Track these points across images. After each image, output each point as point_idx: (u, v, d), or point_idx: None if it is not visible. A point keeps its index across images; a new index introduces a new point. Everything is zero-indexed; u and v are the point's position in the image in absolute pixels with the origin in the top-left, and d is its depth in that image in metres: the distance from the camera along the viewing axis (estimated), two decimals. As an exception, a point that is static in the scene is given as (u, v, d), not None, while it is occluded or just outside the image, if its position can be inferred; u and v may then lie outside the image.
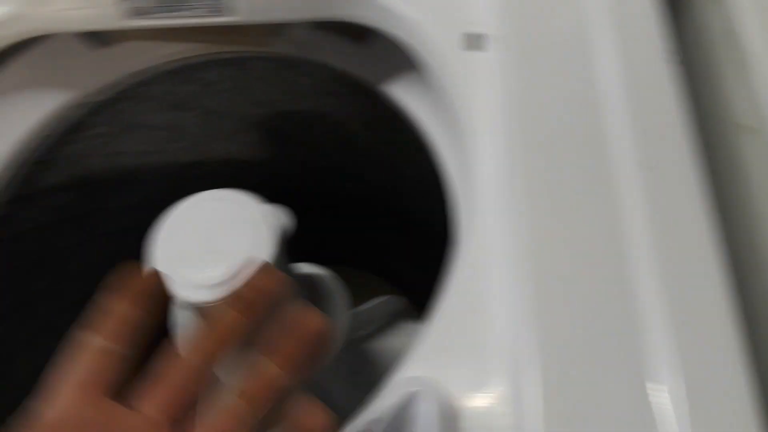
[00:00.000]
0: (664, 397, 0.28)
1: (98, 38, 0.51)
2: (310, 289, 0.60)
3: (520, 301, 0.31)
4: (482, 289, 0.32)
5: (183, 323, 0.54)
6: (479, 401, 0.30)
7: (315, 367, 0.29)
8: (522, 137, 0.33)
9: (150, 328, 0.31)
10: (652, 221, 0.31)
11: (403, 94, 0.49)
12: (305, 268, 0.59)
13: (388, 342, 0.80)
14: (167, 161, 0.66)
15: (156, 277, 0.35)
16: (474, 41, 0.38)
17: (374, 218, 0.83)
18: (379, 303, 0.79)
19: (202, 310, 0.46)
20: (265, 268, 0.35)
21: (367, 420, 0.31)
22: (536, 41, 0.36)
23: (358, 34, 0.49)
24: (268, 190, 0.45)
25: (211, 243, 0.44)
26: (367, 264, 0.86)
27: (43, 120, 0.51)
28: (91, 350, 0.28)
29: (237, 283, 0.43)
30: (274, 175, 0.75)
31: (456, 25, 0.39)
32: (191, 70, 0.57)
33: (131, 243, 0.71)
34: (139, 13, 0.43)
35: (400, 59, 0.49)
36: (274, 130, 0.68)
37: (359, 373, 0.78)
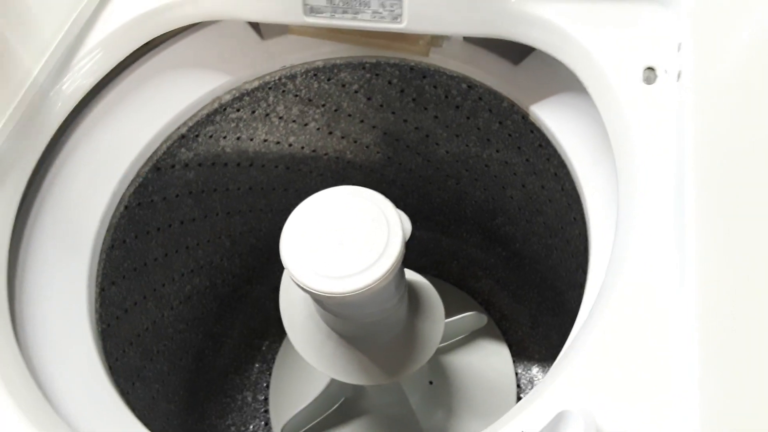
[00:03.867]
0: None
1: (259, 30, 0.54)
2: (413, 294, 0.61)
3: (691, 343, 0.30)
4: (649, 320, 0.32)
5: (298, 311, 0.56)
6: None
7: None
8: (702, 176, 0.33)
9: None
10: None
11: (547, 116, 0.49)
12: (408, 274, 0.60)
13: (466, 357, 0.81)
14: (285, 152, 0.69)
15: None
16: (654, 75, 0.38)
17: (465, 233, 0.84)
18: (463, 317, 0.80)
19: (326, 300, 0.47)
20: None
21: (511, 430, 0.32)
22: (719, 77, 0.36)
23: (518, 56, 0.50)
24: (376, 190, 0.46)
25: (345, 236, 0.46)
26: (450, 276, 0.86)
27: (197, 99, 0.54)
28: None
29: (367, 278, 0.45)
30: (381, 176, 0.76)
31: (635, 57, 0.39)
32: (334, 70, 0.59)
33: (237, 224, 0.74)
34: (315, 11, 0.45)
35: (550, 84, 0.50)
36: (391, 134, 0.70)
37: (435, 384, 0.79)
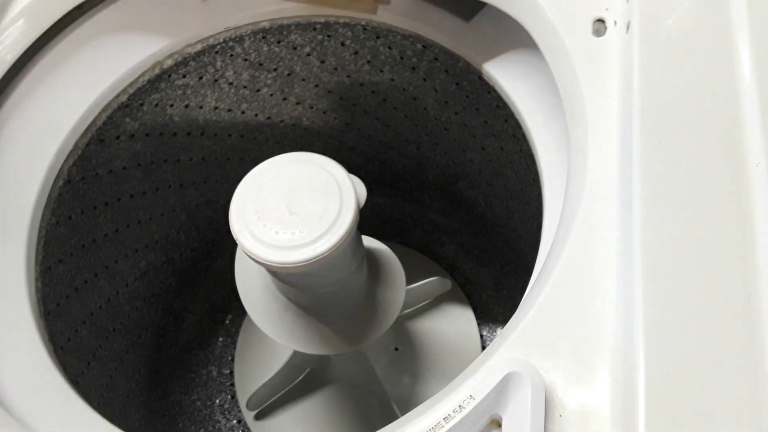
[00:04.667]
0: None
1: (199, -11, 0.51)
2: (373, 262, 0.60)
3: (630, 295, 0.30)
4: (590, 279, 0.32)
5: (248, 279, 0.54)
6: (577, 392, 0.30)
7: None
8: (647, 127, 0.32)
9: None
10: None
11: (501, 75, 0.48)
12: (367, 241, 0.59)
13: (431, 322, 0.81)
14: (239, 120, 0.66)
15: None
16: (603, 27, 0.37)
17: (427, 199, 0.83)
18: (426, 283, 0.79)
19: (280, 271, 0.46)
20: None
21: (459, 396, 0.31)
22: (668, 28, 0.35)
23: (469, 12, 0.48)
24: (332, 158, 0.45)
25: (296, 205, 0.44)
26: (413, 243, 0.85)
27: (136, 65, 0.51)
28: None
29: (320, 247, 0.44)
30: (339, 143, 0.74)
31: (585, 10, 0.38)
32: (283, 31, 0.56)
33: (192, 196, 0.72)
34: (253, -34, 0.43)
35: (502, 40, 0.49)
36: (347, 99, 0.68)
37: (400, 350, 0.79)
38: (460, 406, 0.30)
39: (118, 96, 0.51)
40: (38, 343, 0.41)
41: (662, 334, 0.29)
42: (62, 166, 0.49)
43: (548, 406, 0.29)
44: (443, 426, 0.28)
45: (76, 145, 0.49)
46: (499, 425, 0.30)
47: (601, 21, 0.38)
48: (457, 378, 0.31)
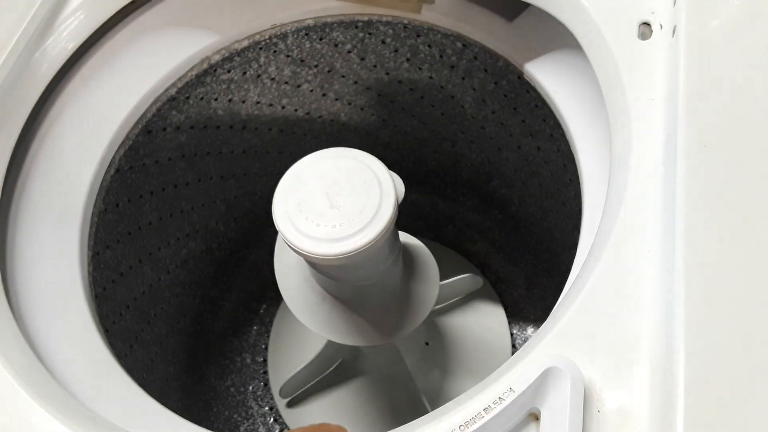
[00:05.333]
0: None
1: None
2: (408, 257, 0.61)
3: (672, 296, 0.31)
4: (631, 278, 0.32)
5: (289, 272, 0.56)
6: (616, 389, 0.30)
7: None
8: (692, 131, 0.33)
9: None
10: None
11: (543, 75, 0.48)
12: (402, 236, 0.60)
13: (462, 318, 0.81)
14: (279, 114, 0.68)
15: None
16: (649, 31, 0.37)
17: (460, 197, 0.84)
18: (458, 280, 0.80)
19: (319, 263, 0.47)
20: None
21: (499, 388, 0.32)
22: (715, 31, 0.35)
23: (512, 12, 0.49)
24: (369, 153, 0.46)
25: (337, 199, 0.45)
26: (446, 239, 0.86)
27: (186, 59, 0.53)
28: None
29: (359, 241, 0.45)
30: (375, 139, 0.75)
31: (630, 13, 0.38)
32: (325, 29, 0.58)
33: (232, 188, 0.73)
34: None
35: (545, 41, 0.49)
36: (385, 96, 0.69)
37: (430, 345, 0.80)
38: (499, 398, 0.30)
39: (167, 89, 0.53)
40: (91, 324, 0.43)
41: (703, 336, 0.29)
42: (114, 156, 0.51)
43: (587, 402, 0.29)
44: (483, 417, 0.29)
45: (127, 136, 0.51)
46: (537, 418, 0.30)
47: (646, 24, 0.38)
48: (497, 370, 0.32)
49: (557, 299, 0.37)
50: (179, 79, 0.54)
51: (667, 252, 0.31)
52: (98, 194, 0.50)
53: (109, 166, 0.50)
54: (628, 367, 0.31)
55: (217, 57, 0.55)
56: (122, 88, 0.51)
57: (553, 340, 0.32)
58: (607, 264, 0.33)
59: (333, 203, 0.45)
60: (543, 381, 0.29)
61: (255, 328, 0.81)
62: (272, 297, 0.82)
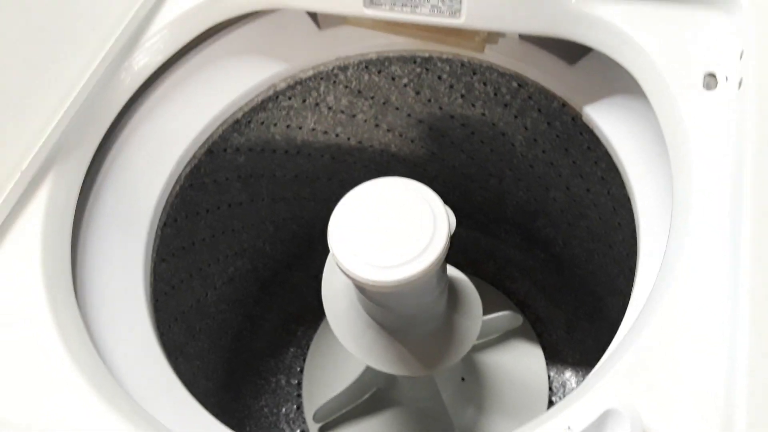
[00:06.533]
0: None
1: (316, 20, 0.55)
2: (453, 290, 0.61)
3: (736, 348, 0.30)
4: (695, 327, 0.32)
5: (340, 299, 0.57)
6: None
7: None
8: (761, 184, 0.33)
9: None
10: None
11: (602, 118, 0.49)
12: (448, 269, 0.61)
13: (500, 356, 0.81)
14: (332, 142, 0.70)
15: None
16: (714, 81, 0.38)
17: (503, 233, 0.84)
18: (498, 317, 0.80)
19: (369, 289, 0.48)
20: None
21: (557, 426, 0.32)
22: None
23: (574, 56, 0.50)
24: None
25: (392, 227, 0.46)
26: (486, 275, 0.86)
27: (255, 85, 0.55)
28: None
29: (411, 270, 0.45)
30: (423, 171, 0.77)
31: (696, 63, 0.39)
32: (385, 62, 0.60)
33: (281, 210, 0.75)
34: (374, 4, 0.46)
35: (605, 85, 0.50)
36: (436, 130, 0.70)
37: (467, 381, 0.79)
38: (555, 436, 0.30)
39: (234, 113, 0.56)
40: (151, 335, 0.45)
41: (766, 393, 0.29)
42: (180, 174, 0.53)
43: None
44: (539, 453, 0.29)
45: (194, 155, 0.54)
46: (592, 460, 0.30)
47: (712, 75, 0.39)
48: (555, 407, 0.32)
49: (598, 344, 0.37)
50: (246, 103, 0.56)
51: (733, 298, 0.31)
52: (163, 209, 0.52)
53: (176, 183, 0.53)
54: (687, 416, 0.30)
55: (283, 84, 0.57)
56: (193, 110, 0.53)
57: (612, 380, 0.32)
58: (668, 310, 0.33)
59: (387, 231, 0.46)
60: (602, 422, 0.29)
61: (292, 349, 0.82)
62: (310, 320, 0.83)
